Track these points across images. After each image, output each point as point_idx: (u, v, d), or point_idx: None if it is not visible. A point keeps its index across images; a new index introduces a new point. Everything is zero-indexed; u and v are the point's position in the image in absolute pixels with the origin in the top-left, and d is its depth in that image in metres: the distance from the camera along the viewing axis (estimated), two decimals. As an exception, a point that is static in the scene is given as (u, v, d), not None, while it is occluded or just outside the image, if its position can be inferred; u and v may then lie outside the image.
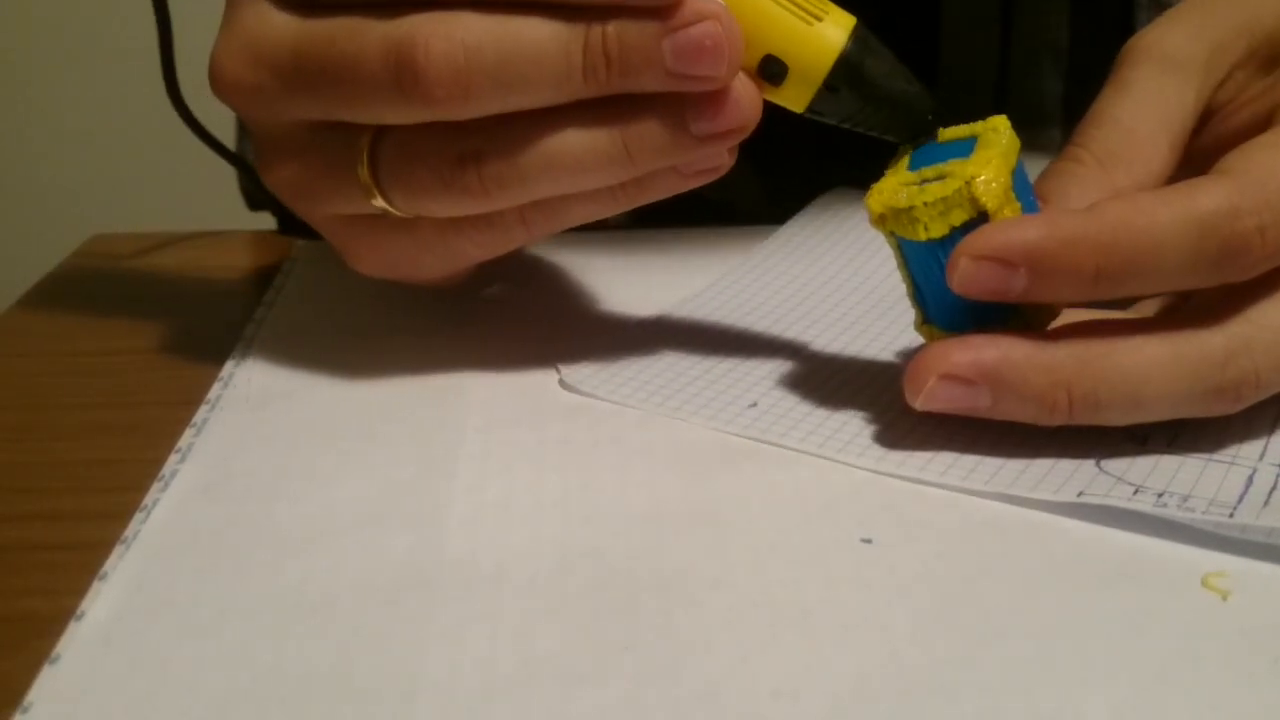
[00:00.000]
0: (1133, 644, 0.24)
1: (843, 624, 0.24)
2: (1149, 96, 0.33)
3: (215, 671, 0.23)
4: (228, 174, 0.49)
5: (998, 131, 0.31)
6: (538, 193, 0.31)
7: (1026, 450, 0.30)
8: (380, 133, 0.32)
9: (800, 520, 0.28)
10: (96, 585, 0.26)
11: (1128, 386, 0.29)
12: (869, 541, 0.27)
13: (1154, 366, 0.29)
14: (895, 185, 0.31)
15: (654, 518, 0.28)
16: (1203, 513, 0.27)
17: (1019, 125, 0.32)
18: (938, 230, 0.29)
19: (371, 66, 0.30)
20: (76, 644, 0.24)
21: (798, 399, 0.34)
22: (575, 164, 0.31)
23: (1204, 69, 0.33)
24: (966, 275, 0.29)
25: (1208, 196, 0.28)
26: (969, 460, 0.30)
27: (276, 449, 0.32)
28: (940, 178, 0.30)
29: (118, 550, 0.28)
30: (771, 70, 0.31)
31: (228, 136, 0.45)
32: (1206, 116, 0.34)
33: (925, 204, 0.29)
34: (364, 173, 0.32)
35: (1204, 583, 0.26)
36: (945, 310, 0.31)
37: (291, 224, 0.37)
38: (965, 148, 0.31)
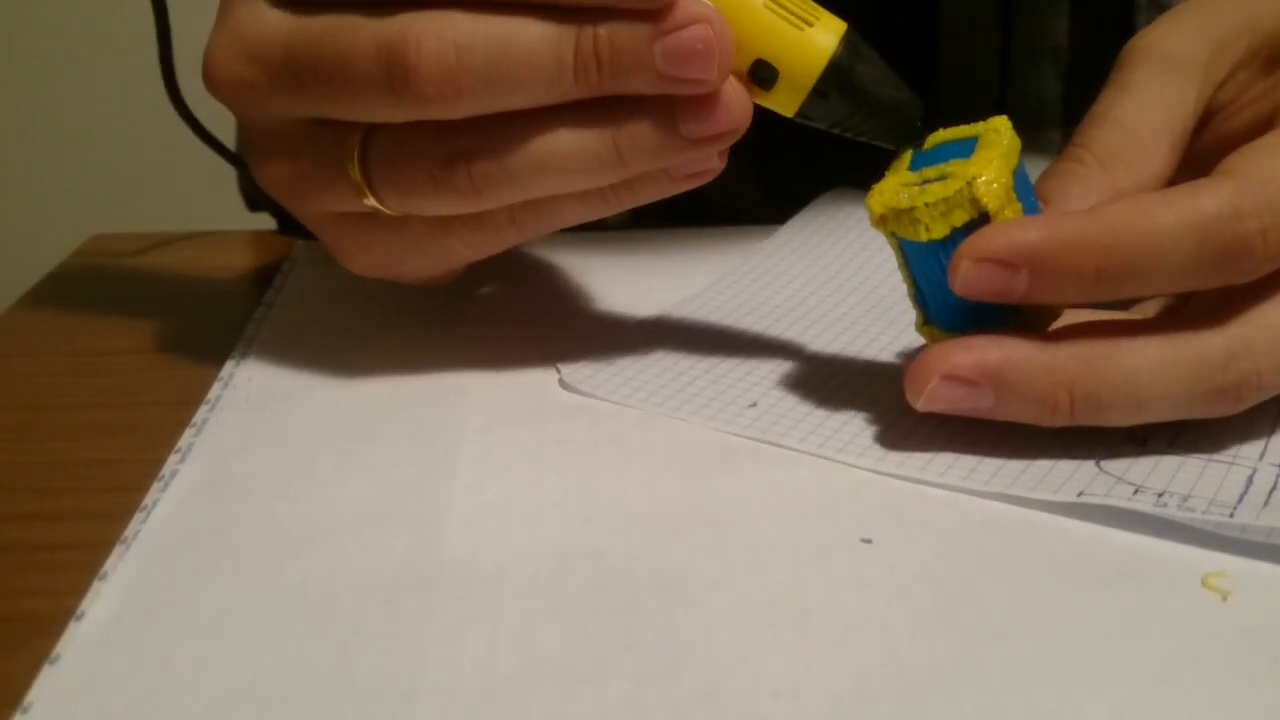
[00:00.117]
0: (1133, 644, 0.24)
1: (843, 624, 0.24)
2: (1150, 97, 0.33)
3: (215, 671, 0.23)
4: (228, 174, 0.49)
5: (999, 132, 0.31)
6: (528, 193, 0.32)
7: (1026, 451, 0.30)
8: (371, 131, 0.32)
9: (800, 520, 0.28)
10: (96, 585, 0.26)
11: (1130, 387, 0.29)
12: (869, 541, 0.27)
13: (1156, 367, 0.29)
14: (896, 186, 0.31)
15: (654, 518, 0.28)
16: (1203, 512, 0.27)
17: (1019, 126, 0.32)
18: (939, 231, 0.29)
19: (363, 64, 0.30)
20: (76, 644, 0.24)
21: (798, 399, 0.34)
22: (566, 165, 0.31)
23: (1205, 69, 0.33)
24: (968, 277, 0.29)
25: (1210, 198, 0.28)
26: (969, 460, 0.30)
27: (276, 449, 0.32)
28: (941, 178, 0.30)
29: (118, 550, 0.27)
30: (762, 75, 0.31)
31: (228, 136, 0.45)
32: (1207, 117, 0.34)
33: (926, 204, 0.29)
34: (355, 171, 0.32)
35: (1204, 583, 0.26)
36: (946, 311, 0.31)
37: (291, 224, 0.37)
38: (966, 148, 0.31)
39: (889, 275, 0.42)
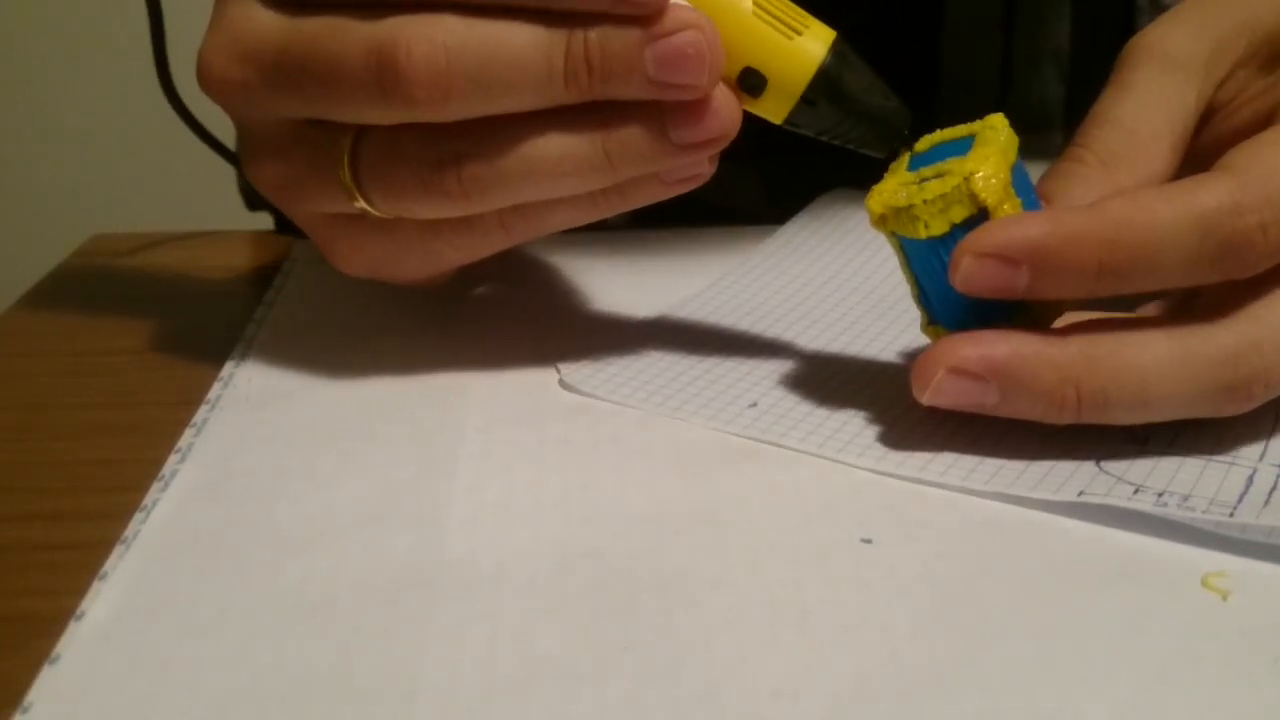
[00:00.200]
0: (1133, 644, 0.24)
1: (843, 624, 0.24)
2: (1151, 97, 0.33)
3: (215, 671, 0.23)
4: (227, 174, 0.49)
5: (995, 129, 0.31)
6: (517, 197, 0.32)
7: (1027, 450, 0.30)
8: (362, 133, 0.32)
9: (800, 520, 0.28)
10: (96, 585, 0.26)
11: (1137, 385, 0.29)
12: (869, 541, 0.27)
13: (1163, 365, 0.29)
14: (895, 186, 0.31)
15: (654, 518, 0.28)
16: (1203, 512, 0.27)
17: (1020, 128, 0.32)
18: (938, 228, 0.29)
19: (354, 66, 0.30)
20: (76, 644, 0.24)
21: (798, 399, 0.34)
22: (555, 169, 0.31)
23: (1205, 68, 0.33)
24: (969, 273, 0.29)
25: (1210, 194, 0.28)
26: (969, 460, 0.30)
27: (276, 449, 0.32)
28: (939, 176, 0.30)
29: (118, 550, 0.27)
30: (751, 82, 0.31)
31: (226, 135, 0.45)
32: (1207, 115, 0.34)
33: (925, 201, 0.29)
34: (345, 173, 0.32)
35: (1204, 583, 0.26)
36: (949, 309, 0.31)
37: (288, 223, 0.37)
38: (964, 146, 0.31)
39: (889, 275, 0.42)
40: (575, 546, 0.27)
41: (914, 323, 0.33)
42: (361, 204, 0.33)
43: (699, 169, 0.32)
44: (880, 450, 0.31)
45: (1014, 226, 0.28)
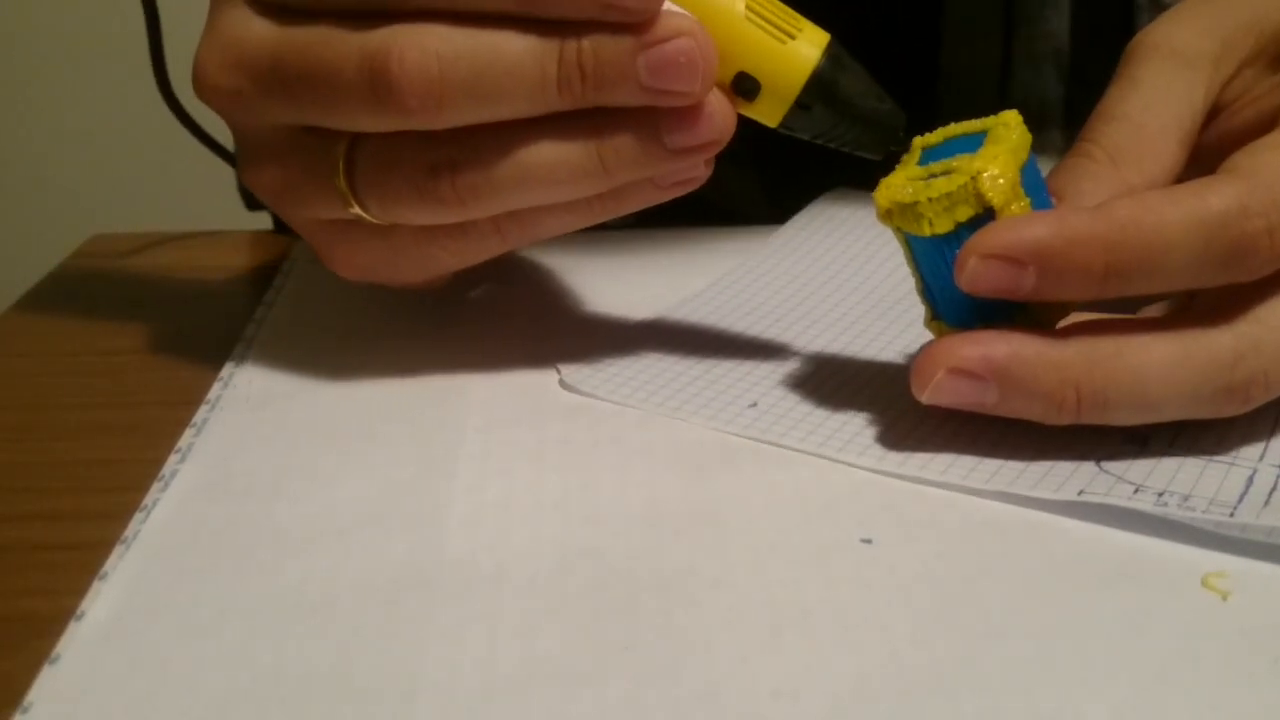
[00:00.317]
0: (1133, 644, 0.24)
1: (843, 624, 0.24)
2: (1159, 93, 0.33)
3: (215, 671, 0.23)
4: (227, 174, 0.49)
5: (1008, 126, 0.31)
6: (512, 204, 0.32)
7: (1026, 450, 0.30)
8: (357, 140, 0.32)
9: (800, 520, 0.28)
10: (96, 585, 0.26)
11: (1137, 386, 0.29)
12: (869, 541, 0.27)
13: (1163, 366, 0.29)
14: (903, 180, 0.31)
15: (654, 518, 0.28)
16: (1203, 512, 0.27)
17: None
18: (943, 226, 0.29)
19: (347, 75, 0.30)
20: (76, 644, 0.24)
21: (798, 399, 0.34)
22: (549, 176, 0.31)
23: (1213, 65, 0.33)
24: (975, 273, 0.28)
25: (1217, 196, 0.28)
26: (969, 459, 0.30)
27: (276, 449, 0.32)
28: (948, 173, 0.30)
29: (118, 550, 0.27)
30: (745, 87, 0.31)
31: (225, 136, 0.45)
32: (1213, 113, 0.34)
33: (930, 199, 0.29)
34: (340, 179, 0.32)
35: (1204, 583, 0.26)
36: (953, 306, 0.31)
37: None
38: (975, 143, 0.31)
39: (889, 275, 0.42)
40: (575, 546, 0.27)
41: (914, 323, 0.33)
42: (356, 210, 0.33)
43: (694, 173, 0.32)
44: (880, 450, 0.31)
45: (1020, 227, 0.28)
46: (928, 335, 0.32)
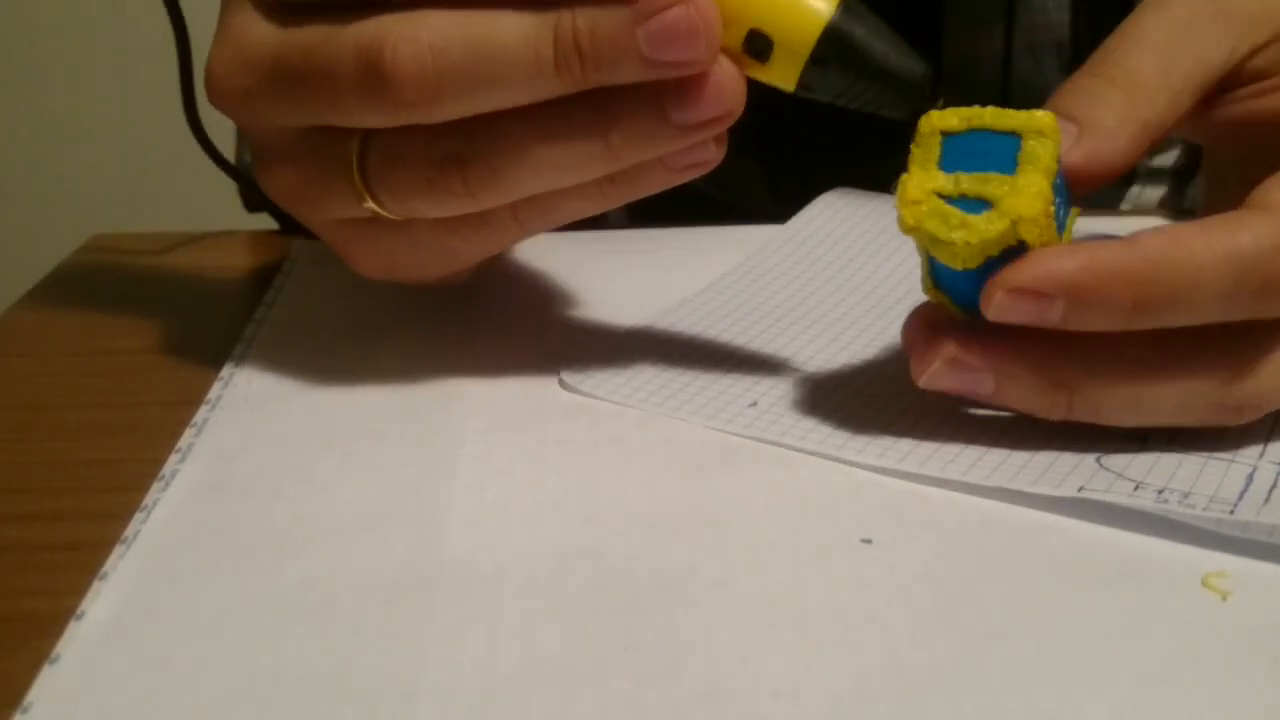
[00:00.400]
0: (1133, 644, 0.24)
1: (843, 624, 0.24)
2: (1191, 33, 0.32)
3: (215, 671, 0.23)
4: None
5: (1044, 136, 0.29)
6: (523, 191, 0.31)
7: (1026, 447, 0.30)
8: (368, 136, 0.32)
9: (800, 520, 0.28)
10: (96, 585, 0.26)
11: (1129, 394, 0.29)
12: (869, 541, 0.27)
13: (1157, 377, 0.29)
14: (927, 189, 0.29)
15: (654, 518, 0.28)
16: (1203, 509, 0.27)
17: None
18: (975, 263, 0.29)
19: (345, 71, 0.30)
20: (76, 644, 0.24)
21: (798, 399, 0.34)
22: (558, 162, 0.31)
23: (1250, 24, 0.32)
24: (1002, 306, 0.28)
25: (1249, 234, 0.28)
26: (969, 456, 0.30)
27: (276, 449, 0.32)
28: (980, 200, 0.28)
29: (118, 550, 0.27)
30: (758, 46, 0.30)
31: (224, 141, 0.45)
32: (1235, 80, 0.33)
33: (968, 243, 0.28)
34: (354, 177, 0.32)
35: (1204, 583, 0.26)
36: (966, 304, 0.30)
37: (293, 224, 0.37)
38: (1006, 153, 0.29)
39: (889, 275, 0.42)
40: (575, 546, 0.27)
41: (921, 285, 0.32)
42: (372, 206, 0.32)
43: (706, 154, 0.31)
44: (879, 448, 0.31)
45: (1050, 261, 0.28)
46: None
